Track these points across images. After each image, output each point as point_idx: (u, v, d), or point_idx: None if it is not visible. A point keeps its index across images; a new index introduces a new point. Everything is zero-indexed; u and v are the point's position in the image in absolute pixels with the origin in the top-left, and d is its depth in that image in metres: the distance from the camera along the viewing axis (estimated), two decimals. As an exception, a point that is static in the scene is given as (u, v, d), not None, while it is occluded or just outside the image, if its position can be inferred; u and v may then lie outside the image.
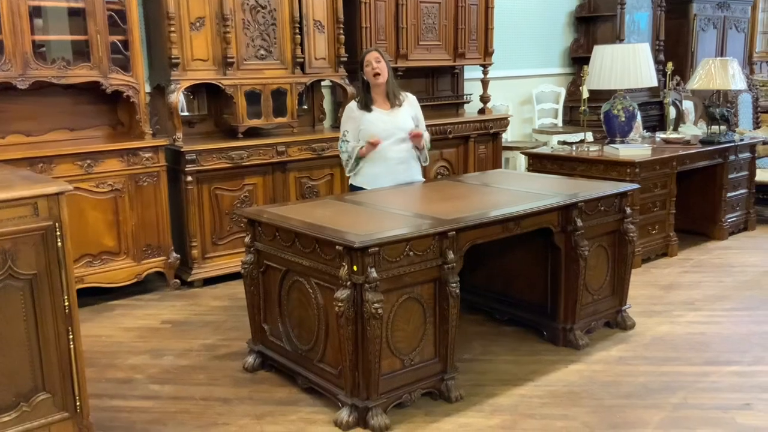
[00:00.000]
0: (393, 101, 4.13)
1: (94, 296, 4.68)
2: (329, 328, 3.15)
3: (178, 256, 4.98)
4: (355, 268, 2.90)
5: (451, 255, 3.14)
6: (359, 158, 4.11)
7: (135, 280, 4.82)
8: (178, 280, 5.00)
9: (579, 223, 3.71)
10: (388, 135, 4.07)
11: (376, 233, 2.99)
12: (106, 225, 4.64)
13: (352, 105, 4.19)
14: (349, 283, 2.92)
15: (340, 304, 2.92)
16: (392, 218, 3.42)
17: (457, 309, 3.20)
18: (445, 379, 3.26)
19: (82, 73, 4.56)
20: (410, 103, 4.23)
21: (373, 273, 2.89)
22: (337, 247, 2.94)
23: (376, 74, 4.04)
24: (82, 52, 4.67)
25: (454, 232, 3.16)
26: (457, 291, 3.16)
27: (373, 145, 4.03)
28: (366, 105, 4.12)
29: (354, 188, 4.22)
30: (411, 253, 3.03)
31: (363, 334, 2.96)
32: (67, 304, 2.65)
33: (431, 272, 3.13)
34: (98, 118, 4.99)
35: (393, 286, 3.01)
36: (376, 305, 2.89)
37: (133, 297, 4.83)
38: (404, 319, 3.10)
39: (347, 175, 4.26)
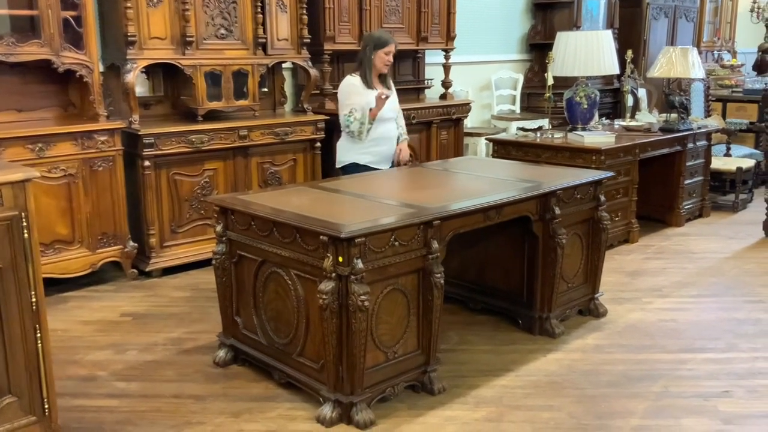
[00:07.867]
0: (387, 85, 4.48)
1: (45, 288, 4.37)
2: (310, 321, 3.03)
3: (136, 244, 4.75)
4: (340, 259, 2.79)
5: (435, 245, 3.06)
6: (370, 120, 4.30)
7: (90, 271, 4.57)
8: (135, 270, 4.77)
9: (557, 211, 3.68)
10: (388, 113, 4.35)
11: (360, 222, 2.88)
12: (59, 212, 4.38)
13: (355, 81, 4.34)
14: (334, 274, 2.80)
15: (324, 296, 2.80)
16: (373, 207, 3.30)
17: (441, 300, 3.12)
18: (428, 371, 3.19)
19: (32, 51, 4.26)
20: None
21: (360, 264, 2.78)
22: (321, 237, 2.81)
23: (387, 65, 4.34)
24: (31, 28, 4.37)
25: (438, 221, 3.07)
26: (442, 281, 3.08)
27: (377, 108, 4.26)
28: (370, 83, 4.32)
29: (350, 169, 4.35)
30: (396, 243, 2.93)
31: (348, 327, 2.85)
32: (34, 300, 2.47)
33: (415, 262, 3.04)
34: (48, 99, 4.69)
35: (378, 278, 2.91)
36: (363, 297, 2.79)
37: (88, 288, 4.58)
38: (388, 311, 3.00)
39: (362, 139, 4.33)
